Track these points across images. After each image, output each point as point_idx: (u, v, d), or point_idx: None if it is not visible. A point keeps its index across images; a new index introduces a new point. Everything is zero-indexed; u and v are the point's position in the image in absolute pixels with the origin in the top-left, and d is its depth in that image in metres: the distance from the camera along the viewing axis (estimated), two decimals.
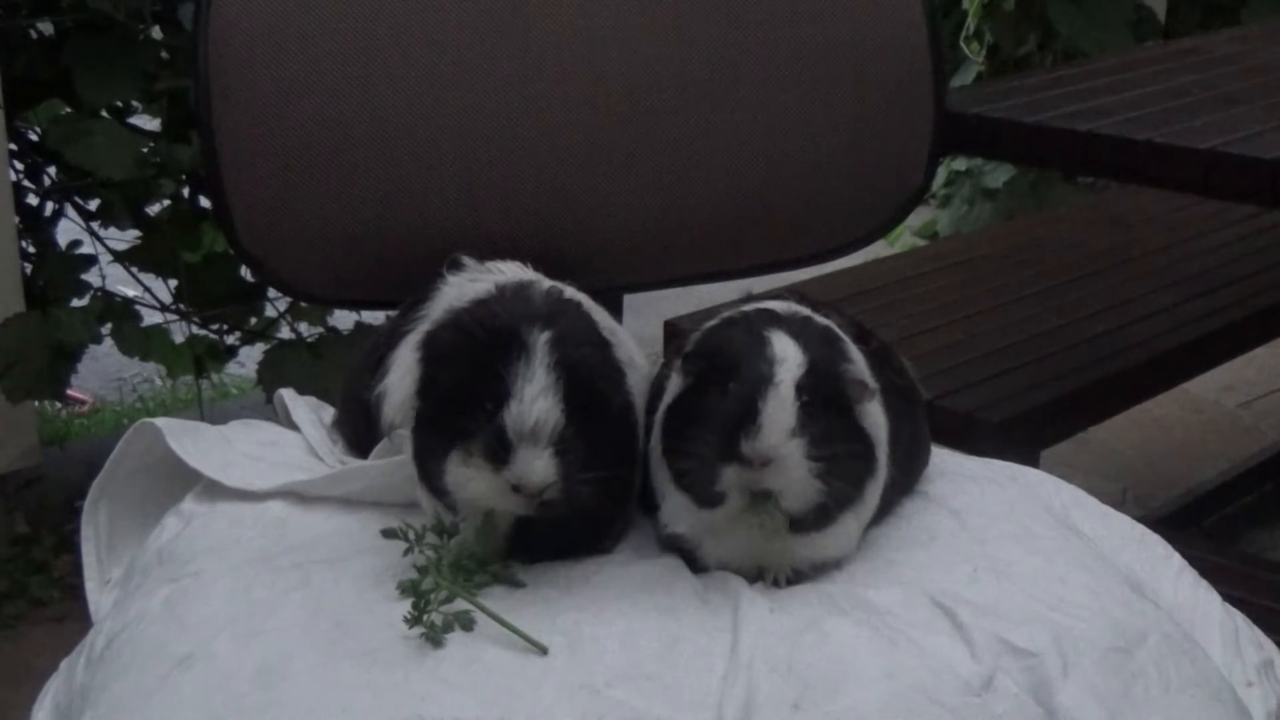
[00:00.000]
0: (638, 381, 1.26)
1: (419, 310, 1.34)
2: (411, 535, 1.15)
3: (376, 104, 1.45)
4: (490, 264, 1.38)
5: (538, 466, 1.10)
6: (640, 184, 1.53)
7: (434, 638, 1.08)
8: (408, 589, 1.12)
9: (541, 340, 1.12)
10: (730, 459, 1.10)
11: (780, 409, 1.10)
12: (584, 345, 1.16)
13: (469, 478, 1.13)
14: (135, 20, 2.86)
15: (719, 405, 1.12)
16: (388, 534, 1.16)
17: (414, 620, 1.09)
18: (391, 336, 1.37)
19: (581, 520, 1.17)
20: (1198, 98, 2.31)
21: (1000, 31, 4.72)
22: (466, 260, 1.38)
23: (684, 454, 1.14)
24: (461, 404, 1.13)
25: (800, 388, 1.11)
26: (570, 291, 1.25)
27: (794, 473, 1.10)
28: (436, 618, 1.09)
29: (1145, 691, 1.13)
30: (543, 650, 1.08)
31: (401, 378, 1.23)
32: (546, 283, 1.25)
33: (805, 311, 1.22)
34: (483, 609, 1.10)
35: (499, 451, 1.11)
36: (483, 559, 1.16)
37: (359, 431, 1.40)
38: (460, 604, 1.11)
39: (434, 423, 1.17)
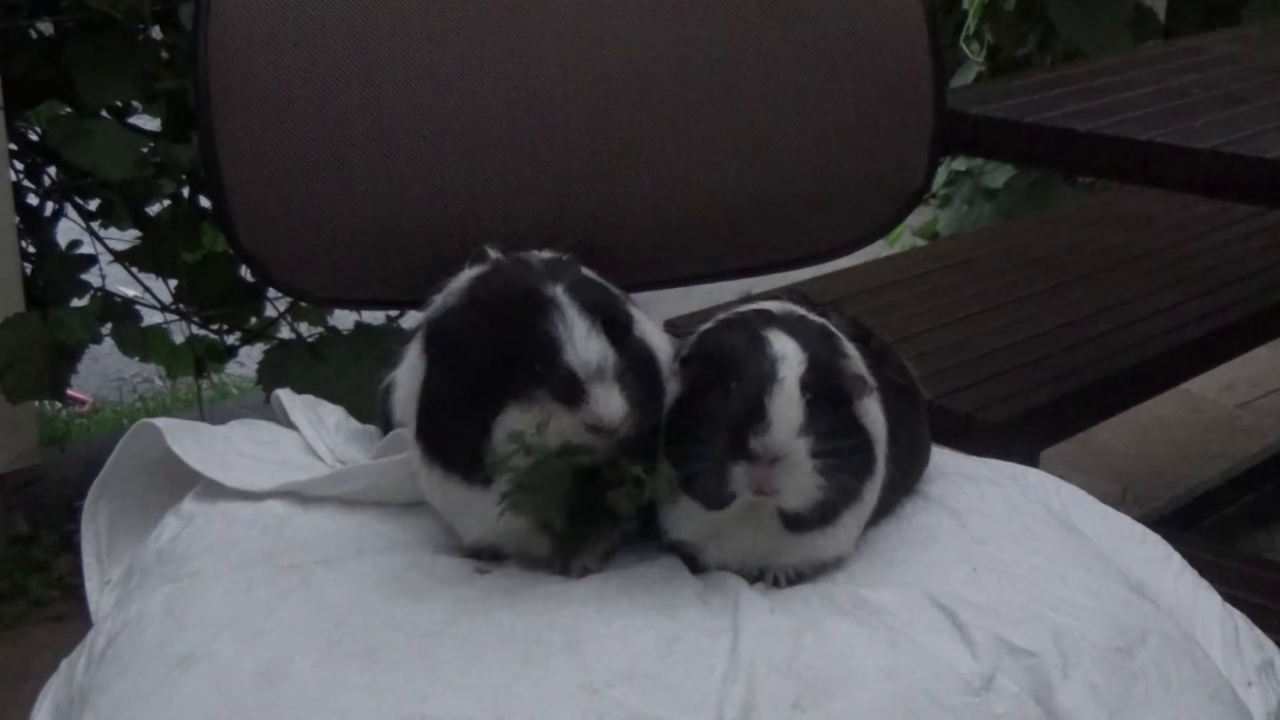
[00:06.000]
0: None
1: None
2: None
3: (377, 103, 1.45)
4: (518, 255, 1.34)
5: (614, 403, 1.12)
6: (640, 184, 1.53)
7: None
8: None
9: (561, 291, 1.15)
10: (738, 457, 1.10)
11: (788, 404, 1.10)
12: (597, 290, 1.18)
13: (539, 425, 1.12)
14: (135, 20, 2.86)
15: (723, 405, 1.11)
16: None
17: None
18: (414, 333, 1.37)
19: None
20: (1198, 98, 2.31)
21: (1000, 31, 4.73)
22: (492, 253, 1.35)
23: (688, 455, 1.13)
24: (497, 373, 1.13)
25: (803, 385, 1.11)
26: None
27: (801, 469, 1.10)
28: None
29: (1145, 691, 1.13)
30: None
31: (406, 373, 1.22)
32: (538, 253, 1.26)
33: (800, 311, 1.22)
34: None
35: (573, 394, 1.12)
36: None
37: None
38: None
39: (461, 403, 1.16)
